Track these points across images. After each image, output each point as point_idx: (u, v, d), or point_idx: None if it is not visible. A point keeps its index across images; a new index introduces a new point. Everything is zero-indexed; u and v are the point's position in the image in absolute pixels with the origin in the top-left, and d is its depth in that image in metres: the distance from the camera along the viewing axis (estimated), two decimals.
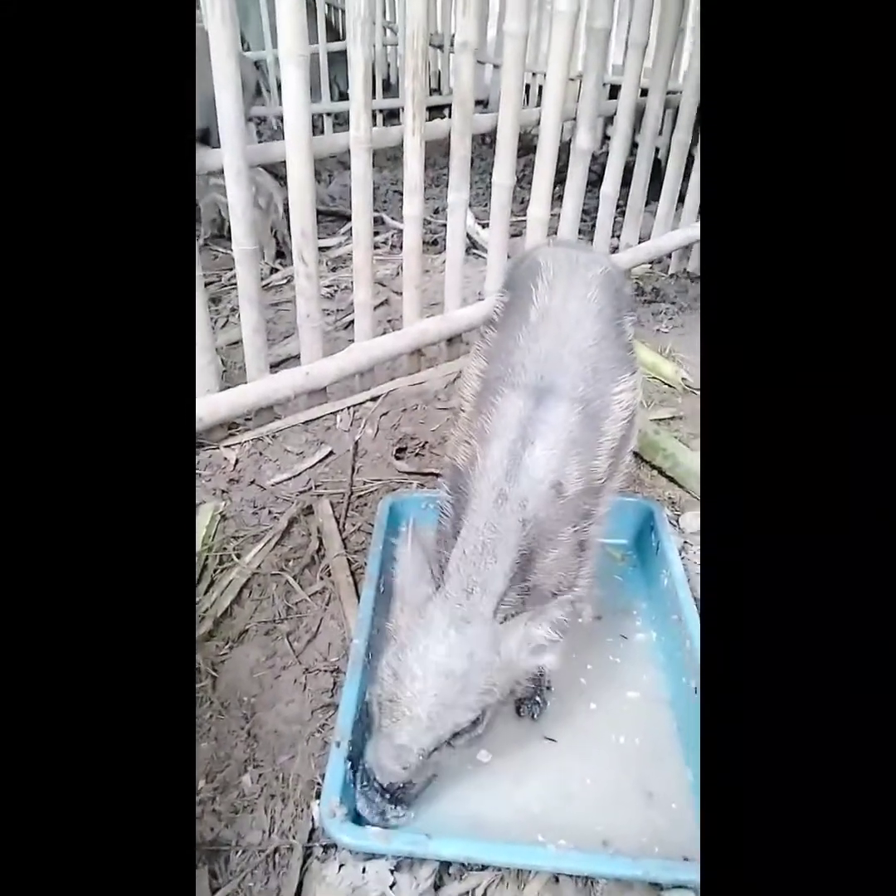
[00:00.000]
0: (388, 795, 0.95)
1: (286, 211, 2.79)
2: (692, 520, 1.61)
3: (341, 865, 0.97)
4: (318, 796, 1.06)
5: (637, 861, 0.93)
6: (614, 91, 2.49)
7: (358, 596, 1.38)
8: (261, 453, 1.80)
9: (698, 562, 1.51)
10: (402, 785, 0.95)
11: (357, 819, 0.97)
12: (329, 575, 1.47)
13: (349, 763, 1.01)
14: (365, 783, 0.97)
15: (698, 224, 2.79)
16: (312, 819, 1.04)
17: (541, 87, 4.19)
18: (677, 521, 1.61)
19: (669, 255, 2.79)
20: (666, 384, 2.11)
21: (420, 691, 0.91)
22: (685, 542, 1.56)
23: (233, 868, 0.99)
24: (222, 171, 1.56)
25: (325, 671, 1.27)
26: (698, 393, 2.09)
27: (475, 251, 2.95)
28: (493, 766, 1.12)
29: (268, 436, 1.85)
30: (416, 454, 1.83)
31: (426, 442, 1.86)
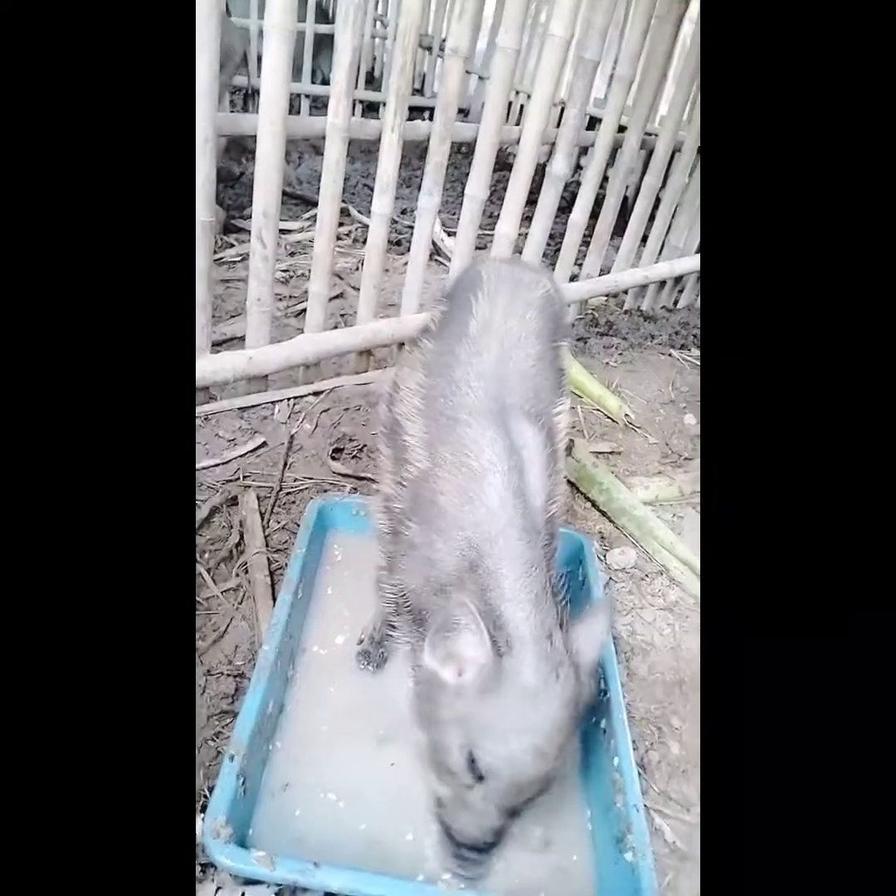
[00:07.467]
0: (484, 848, 0.88)
1: (225, 187, 2.71)
2: (619, 556, 1.62)
3: (218, 888, 0.91)
4: (203, 810, 0.99)
5: None
6: (592, 123, 2.52)
7: (274, 599, 1.32)
8: None
9: (621, 599, 1.52)
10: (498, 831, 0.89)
11: (242, 841, 0.92)
12: (246, 572, 1.40)
13: (241, 779, 0.95)
14: (457, 846, 0.89)
15: (656, 265, 2.85)
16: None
17: (522, 107, 4.21)
18: (604, 556, 1.62)
19: (626, 292, 2.84)
20: (609, 418, 2.14)
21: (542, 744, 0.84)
22: (611, 578, 1.56)
23: None
24: None
25: (228, 675, 1.20)
26: (639, 431, 2.12)
27: (438, 258, 2.92)
28: (398, 794, 1.07)
29: (200, 417, 1.76)
30: (353, 456, 1.78)
31: (365, 444, 1.81)
